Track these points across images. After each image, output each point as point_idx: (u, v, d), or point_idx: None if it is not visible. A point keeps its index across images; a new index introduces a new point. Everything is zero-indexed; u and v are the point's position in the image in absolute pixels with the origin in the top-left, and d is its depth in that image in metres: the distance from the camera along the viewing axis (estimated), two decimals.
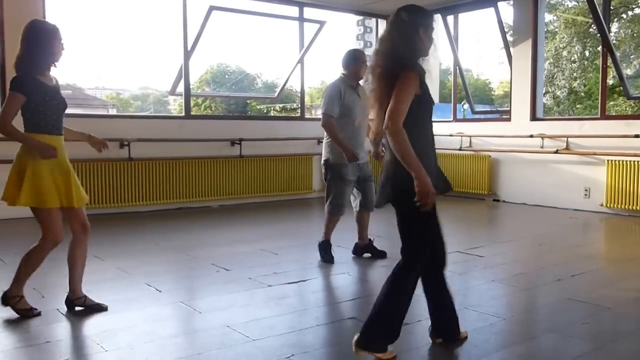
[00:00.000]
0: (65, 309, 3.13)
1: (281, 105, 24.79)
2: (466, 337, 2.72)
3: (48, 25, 2.98)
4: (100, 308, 3.14)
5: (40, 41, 2.91)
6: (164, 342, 2.70)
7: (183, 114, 7.58)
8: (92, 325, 2.94)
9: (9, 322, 2.98)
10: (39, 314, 3.05)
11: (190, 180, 7.19)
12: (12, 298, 3.02)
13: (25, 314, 3.01)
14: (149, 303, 3.32)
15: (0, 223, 5.85)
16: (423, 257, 2.48)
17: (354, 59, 4.27)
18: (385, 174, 2.46)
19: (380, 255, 4.42)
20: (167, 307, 3.27)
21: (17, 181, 2.92)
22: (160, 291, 3.56)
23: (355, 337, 2.43)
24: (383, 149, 2.72)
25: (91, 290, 3.48)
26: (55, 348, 2.67)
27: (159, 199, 6.96)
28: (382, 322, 2.44)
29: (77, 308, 3.13)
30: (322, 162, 4.39)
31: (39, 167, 2.93)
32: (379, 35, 2.52)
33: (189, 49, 7.30)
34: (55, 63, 3.01)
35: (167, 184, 7.01)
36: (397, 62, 2.37)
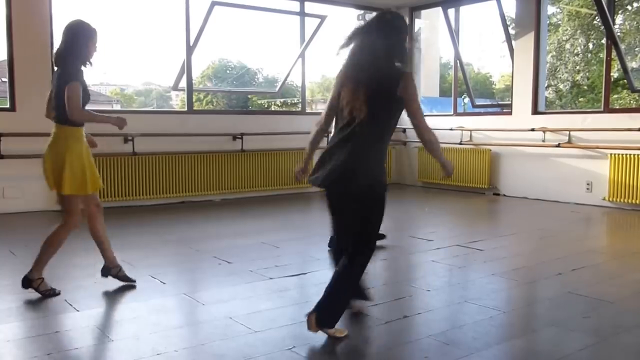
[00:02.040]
0: (74, 301, 3.18)
1: (282, 100, 24.77)
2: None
3: (89, 26, 3.28)
4: (130, 283, 3.49)
5: (81, 39, 3.22)
6: (169, 333, 2.74)
7: (185, 109, 7.60)
8: (99, 316, 2.98)
9: (19, 312, 3.04)
10: (59, 293, 3.28)
11: (192, 175, 7.22)
12: (34, 281, 3.24)
13: (48, 294, 3.24)
14: (154, 295, 3.36)
15: (9, 217, 5.90)
16: (374, 243, 2.71)
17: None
18: (351, 164, 2.53)
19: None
20: (171, 299, 3.31)
21: (58, 171, 3.18)
22: (164, 283, 3.60)
23: (313, 317, 2.58)
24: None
25: (97, 282, 3.53)
26: (64, 338, 2.73)
27: (162, 193, 7.00)
28: (336, 302, 2.64)
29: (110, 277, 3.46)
30: None
31: (74, 157, 3.21)
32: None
33: (191, 44, 7.31)
34: (89, 62, 3.29)
35: (170, 178, 7.04)
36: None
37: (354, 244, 2.64)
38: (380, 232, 4.21)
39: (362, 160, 2.53)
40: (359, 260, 2.65)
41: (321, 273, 4.00)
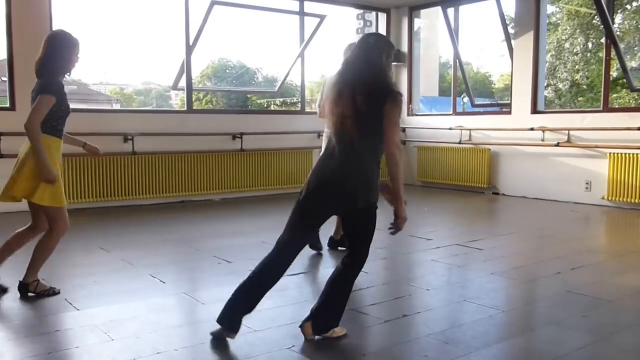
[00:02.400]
0: (74, 299, 3.19)
1: (281, 100, 24.76)
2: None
3: (72, 37, 3.23)
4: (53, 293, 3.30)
5: (64, 50, 3.17)
6: (169, 332, 2.75)
7: (185, 108, 7.60)
8: (99, 315, 2.99)
9: (20, 312, 3.06)
10: (58, 292, 3.28)
11: (192, 174, 7.23)
12: (29, 284, 3.23)
13: (47, 294, 3.23)
14: (154, 294, 3.37)
15: (10, 216, 5.90)
16: (366, 257, 2.67)
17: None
18: (356, 180, 2.50)
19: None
20: (171, 298, 3.31)
21: (33, 178, 3.08)
22: (164, 282, 3.61)
23: (309, 325, 2.61)
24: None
25: (98, 281, 3.54)
26: (64, 337, 2.74)
27: (162, 192, 7.00)
28: (331, 309, 2.64)
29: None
30: None
31: (57, 167, 3.15)
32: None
33: (190, 44, 7.32)
34: (69, 73, 3.25)
35: (169, 178, 7.05)
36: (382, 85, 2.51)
37: (348, 254, 2.67)
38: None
39: (359, 176, 2.51)
40: (354, 269, 2.67)
41: (321, 272, 4.01)
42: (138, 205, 6.78)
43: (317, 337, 2.64)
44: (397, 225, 2.51)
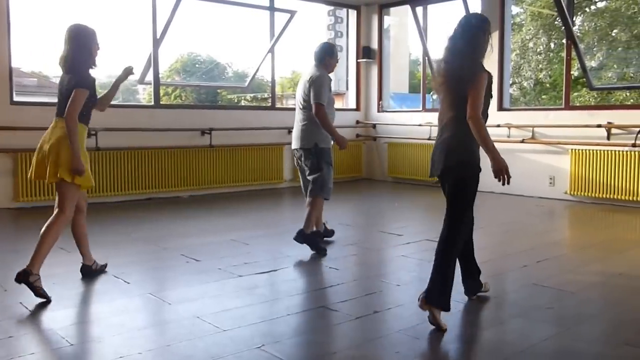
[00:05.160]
0: (30, 303, 3.06)
1: (252, 95, 24.59)
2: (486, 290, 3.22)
3: (89, 29, 3.41)
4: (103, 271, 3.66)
5: (86, 43, 3.36)
6: (133, 334, 2.67)
7: (152, 103, 7.43)
8: (58, 318, 2.87)
9: None
10: (50, 300, 3.14)
11: (159, 170, 7.08)
12: (32, 275, 3.12)
13: (41, 294, 3.10)
14: (117, 295, 3.27)
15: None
16: (467, 217, 2.89)
17: (332, 53, 4.46)
18: (447, 147, 2.85)
19: (330, 234, 4.70)
20: (135, 299, 3.22)
21: (57, 160, 3.25)
22: (128, 283, 3.51)
23: (423, 296, 2.76)
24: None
25: (57, 282, 3.41)
26: (19, 343, 2.60)
27: (127, 189, 6.83)
28: (441, 280, 2.78)
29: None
30: (309, 147, 4.35)
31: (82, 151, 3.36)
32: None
33: (158, 37, 7.15)
34: (94, 64, 3.42)
35: (136, 174, 6.88)
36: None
37: (446, 221, 2.87)
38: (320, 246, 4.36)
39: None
40: (453, 236, 2.85)
41: (291, 270, 3.98)
42: (102, 203, 6.59)
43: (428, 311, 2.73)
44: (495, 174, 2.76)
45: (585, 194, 6.75)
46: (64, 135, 3.25)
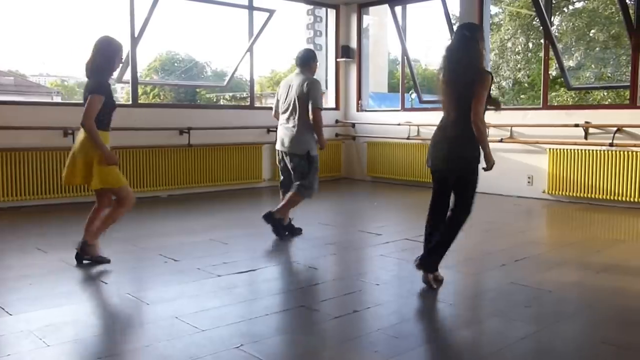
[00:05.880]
0: (5, 303, 2.99)
1: (231, 94, 24.43)
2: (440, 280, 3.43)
3: (117, 42, 3.74)
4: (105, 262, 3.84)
5: (111, 56, 3.69)
6: (111, 335, 2.63)
7: (130, 102, 7.33)
8: (35, 319, 2.81)
9: None
10: (108, 260, 3.79)
11: (137, 170, 6.98)
12: (90, 246, 3.75)
13: (101, 260, 3.76)
14: (95, 296, 3.22)
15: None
16: (473, 207, 3.43)
17: (316, 58, 4.74)
18: (455, 148, 3.28)
19: (298, 232, 4.80)
20: (113, 299, 3.18)
21: (85, 168, 3.63)
22: (106, 283, 3.46)
23: (417, 261, 3.36)
24: None
25: (33, 284, 3.34)
26: None
27: None
28: (441, 251, 3.38)
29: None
30: (301, 154, 4.56)
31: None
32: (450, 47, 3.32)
33: (136, 35, 7.05)
34: (113, 74, 3.86)
35: None
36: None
37: (460, 206, 3.40)
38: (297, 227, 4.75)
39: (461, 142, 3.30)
40: (465, 218, 3.43)
41: (270, 269, 3.96)
42: (79, 203, 6.46)
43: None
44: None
45: (563, 193, 6.86)
46: (86, 138, 3.59)
